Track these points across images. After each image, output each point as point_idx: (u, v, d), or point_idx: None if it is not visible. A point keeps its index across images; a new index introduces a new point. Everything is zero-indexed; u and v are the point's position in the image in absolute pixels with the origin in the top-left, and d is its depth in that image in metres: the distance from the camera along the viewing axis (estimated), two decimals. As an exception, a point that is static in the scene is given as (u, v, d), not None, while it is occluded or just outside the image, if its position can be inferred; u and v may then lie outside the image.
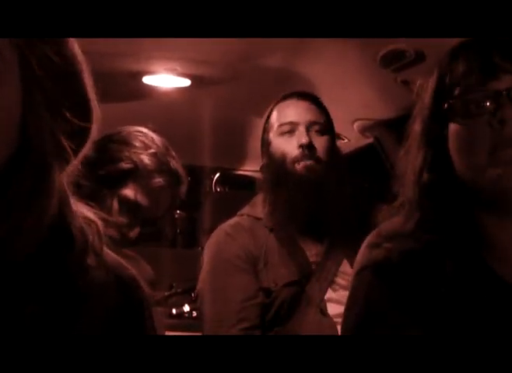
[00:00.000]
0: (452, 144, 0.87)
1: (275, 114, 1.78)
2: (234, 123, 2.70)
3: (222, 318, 1.61)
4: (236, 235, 1.72)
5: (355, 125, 2.36)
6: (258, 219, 1.75)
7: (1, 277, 0.59)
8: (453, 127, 0.87)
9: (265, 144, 1.79)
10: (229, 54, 2.00)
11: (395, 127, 2.20)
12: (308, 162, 1.68)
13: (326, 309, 1.64)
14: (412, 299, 0.83)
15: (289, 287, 1.65)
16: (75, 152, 0.65)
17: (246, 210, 1.82)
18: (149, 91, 2.31)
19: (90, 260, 0.66)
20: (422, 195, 0.88)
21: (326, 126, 1.76)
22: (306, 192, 1.67)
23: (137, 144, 1.46)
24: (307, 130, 1.71)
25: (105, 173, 1.43)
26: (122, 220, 1.44)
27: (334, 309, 1.63)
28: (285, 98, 1.79)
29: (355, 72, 2.00)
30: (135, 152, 1.45)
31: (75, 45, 0.64)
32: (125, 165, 1.43)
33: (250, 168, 3.19)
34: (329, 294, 1.66)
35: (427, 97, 0.90)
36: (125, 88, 2.25)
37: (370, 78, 2.01)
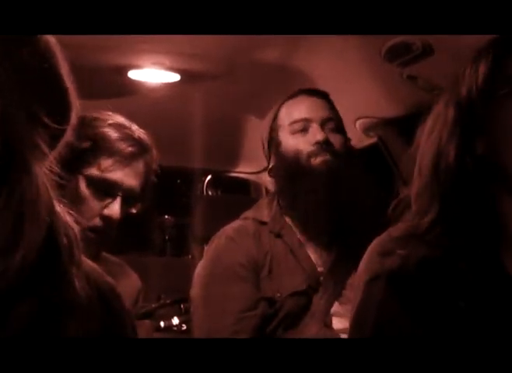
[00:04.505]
0: (505, 134, 0.86)
1: (283, 113, 1.78)
2: (227, 121, 2.70)
3: (216, 330, 1.61)
4: (239, 240, 1.71)
5: (358, 124, 2.36)
6: (263, 223, 1.76)
7: None
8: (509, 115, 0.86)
9: (274, 144, 1.79)
10: (223, 48, 2.00)
11: (401, 126, 2.20)
12: (326, 157, 1.68)
13: (331, 323, 1.64)
14: (428, 310, 0.83)
15: (294, 298, 1.64)
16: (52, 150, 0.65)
17: (251, 213, 1.82)
18: (135, 86, 2.31)
19: (74, 270, 0.65)
20: (447, 184, 0.88)
21: (339, 123, 1.78)
22: (324, 187, 1.67)
23: (93, 121, 1.44)
24: (322, 126, 1.72)
25: (62, 159, 1.40)
26: (96, 204, 1.41)
27: (340, 323, 1.62)
28: (292, 96, 1.80)
29: (358, 67, 2.00)
30: (91, 127, 1.43)
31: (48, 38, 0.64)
32: (82, 144, 1.39)
33: (245, 170, 3.19)
34: (335, 307, 1.65)
35: (471, 82, 0.89)
36: (109, 83, 2.24)
37: (374, 73, 2.01)
